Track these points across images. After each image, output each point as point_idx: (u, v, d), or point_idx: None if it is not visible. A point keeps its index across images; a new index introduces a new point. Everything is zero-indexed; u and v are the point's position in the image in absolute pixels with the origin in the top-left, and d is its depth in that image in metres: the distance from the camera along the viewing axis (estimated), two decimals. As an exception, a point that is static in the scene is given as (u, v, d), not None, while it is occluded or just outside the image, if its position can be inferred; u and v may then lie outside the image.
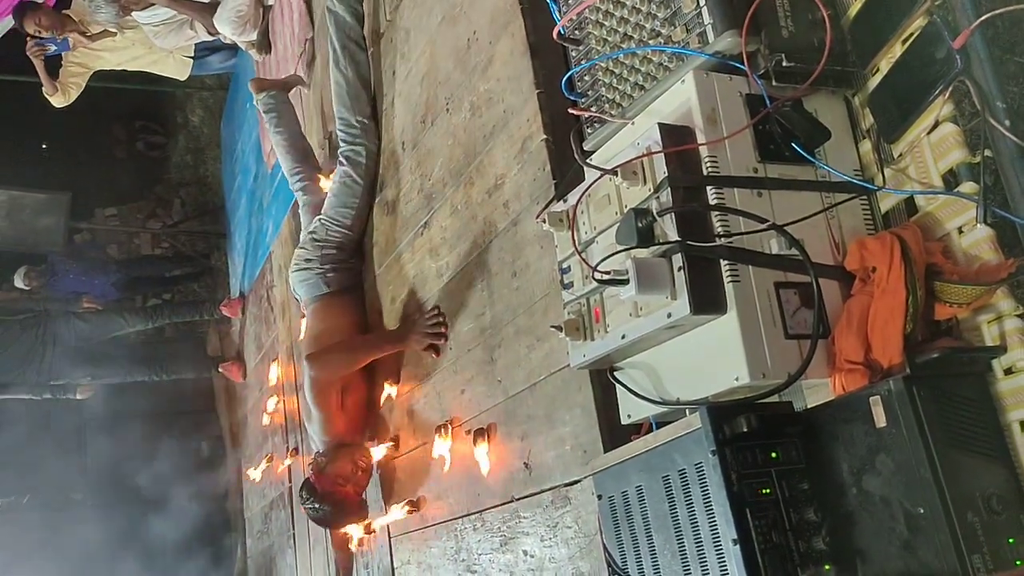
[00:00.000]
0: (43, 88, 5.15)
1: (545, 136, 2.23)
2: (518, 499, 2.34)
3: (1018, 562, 1.29)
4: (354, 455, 3.07)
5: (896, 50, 1.57)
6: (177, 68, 5.39)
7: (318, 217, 3.33)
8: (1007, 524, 1.31)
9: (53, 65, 5.16)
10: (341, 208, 3.28)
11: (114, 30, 5.04)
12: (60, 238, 6.65)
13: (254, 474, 4.96)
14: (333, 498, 3.01)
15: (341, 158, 3.27)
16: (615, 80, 1.80)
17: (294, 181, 3.67)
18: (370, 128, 3.27)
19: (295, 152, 3.71)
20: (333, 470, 3.02)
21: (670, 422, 1.56)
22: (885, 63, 1.60)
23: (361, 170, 3.25)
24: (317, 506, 3.00)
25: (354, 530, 3.32)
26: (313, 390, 3.03)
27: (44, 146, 7.47)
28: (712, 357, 1.55)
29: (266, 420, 4.96)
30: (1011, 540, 1.31)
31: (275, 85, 3.93)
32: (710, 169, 1.55)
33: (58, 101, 5.21)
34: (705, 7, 1.58)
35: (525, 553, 2.32)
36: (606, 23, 1.81)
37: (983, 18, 1.40)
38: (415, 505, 2.94)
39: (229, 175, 6.70)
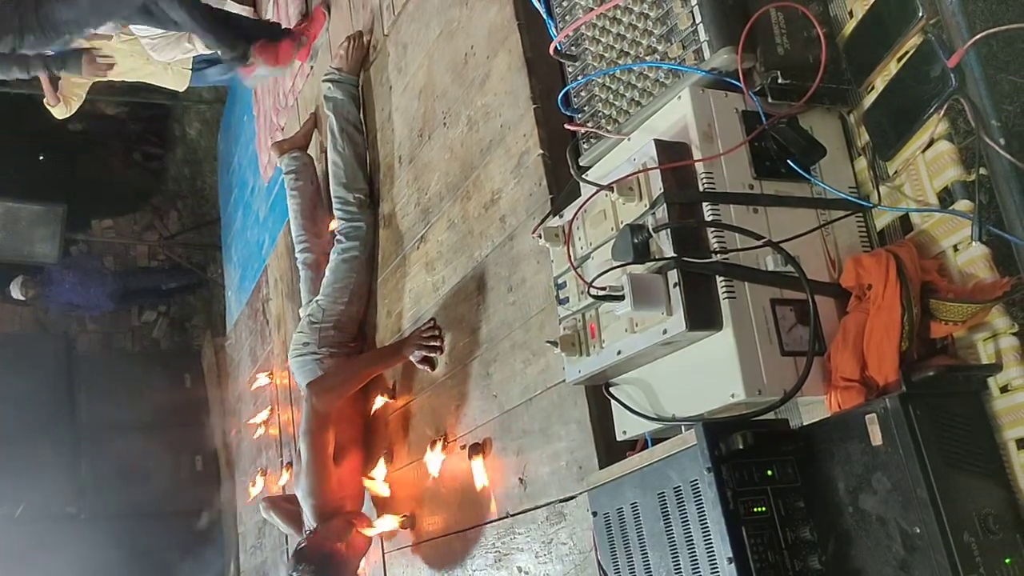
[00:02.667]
0: (45, 99, 5.14)
1: (542, 151, 2.24)
2: (513, 515, 2.33)
3: (1015, 582, 1.28)
4: (349, 516, 2.92)
5: (891, 68, 1.57)
6: (175, 80, 5.39)
7: (315, 299, 3.25)
8: (1004, 544, 1.31)
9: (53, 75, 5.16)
10: (338, 285, 3.20)
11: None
12: (55, 250, 6.63)
13: (253, 491, 4.94)
14: (321, 554, 2.79)
15: (339, 236, 3.22)
16: (611, 96, 1.80)
17: (299, 249, 3.60)
18: (366, 204, 3.24)
19: (307, 219, 3.62)
20: (325, 529, 2.86)
21: (666, 439, 1.56)
22: (880, 81, 1.60)
23: (360, 243, 3.20)
24: (302, 567, 2.77)
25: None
26: (311, 426, 2.88)
27: (41, 158, 7.47)
28: (708, 374, 1.54)
29: (258, 432, 4.94)
30: (1008, 560, 1.30)
31: (296, 143, 3.87)
32: (706, 185, 1.55)
33: (60, 112, 5.20)
34: (701, 24, 1.58)
35: (519, 570, 2.30)
36: (603, 39, 1.81)
37: (978, 37, 1.40)
38: (409, 520, 2.92)
39: (225, 188, 6.70)
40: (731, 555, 1.36)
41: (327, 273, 3.25)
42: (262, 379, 4.81)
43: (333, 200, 3.28)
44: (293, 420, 4.33)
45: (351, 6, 3.64)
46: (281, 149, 3.83)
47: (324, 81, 3.40)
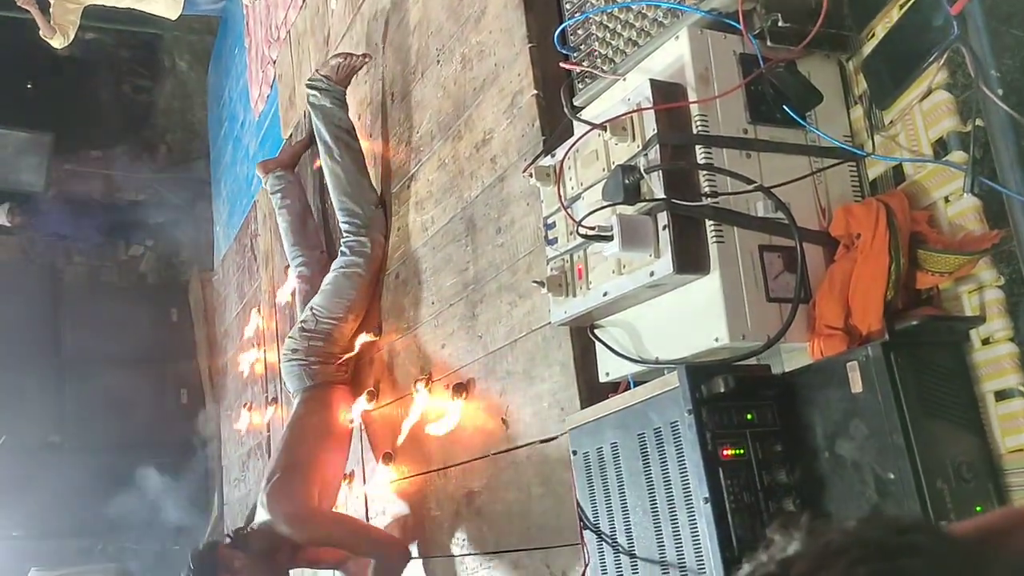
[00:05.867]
0: (40, 32, 5.02)
1: (536, 91, 2.20)
2: (494, 454, 2.35)
3: (984, 529, 1.30)
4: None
5: (893, 15, 1.55)
6: (168, 7, 5.27)
7: (309, 306, 3.14)
8: (976, 492, 1.33)
9: (43, 6, 5.04)
10: (336, 299, 3.06)
11: None
12: (42, 178, 6.55)
13: (240, 425, 4.97)
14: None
15: (344, 247, 3.06)
16: (608, 34, 1.77)
17: (295, 264, 3.52)
18: (377, 216, 3.07)
19: (297, 235, 3.54)
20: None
21: (648, 381, 1.56)
22: (881, 28, 1.58)
23: (365, 261, 3.04)
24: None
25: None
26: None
27: (29, 85, 7.33)
28: (693, 317, 1.55)
29: (245, 371, 4.96)
30: (979, 508, 1.32)
31: (280, 163, 3.78)
32: (700, 128, 1.54)
33: (58, 42, 5.09)
34: (702, -38, 1.55)
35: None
36: (602, -25, 1.78)
37: (982, -16, 1.38)
38: (391, 457, 2.94)
39: (215, 122, 6.62)
40: (707, 495, 1.38)
41: (326, 283, 3.12)
42: (254, 319, 4.80)
43: (338, 212, 3.10)
44: (279, 359, 4.33)
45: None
46: (266, 168, 3.74)
47: (308, 87, 3.17)
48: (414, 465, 2.81)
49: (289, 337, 3.19)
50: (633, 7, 1.70)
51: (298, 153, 3.87)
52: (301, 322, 3.15)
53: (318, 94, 3.14)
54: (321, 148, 3.14)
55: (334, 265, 3.11)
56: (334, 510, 3.07)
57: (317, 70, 3.20)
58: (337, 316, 3.08)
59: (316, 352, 3.08)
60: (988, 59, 1.39)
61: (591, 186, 1.70)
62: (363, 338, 3.12)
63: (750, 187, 1.50)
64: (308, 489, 2.80)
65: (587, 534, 1.66)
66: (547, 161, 1.86)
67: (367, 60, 3.14)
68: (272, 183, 3.68)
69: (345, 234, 3.07)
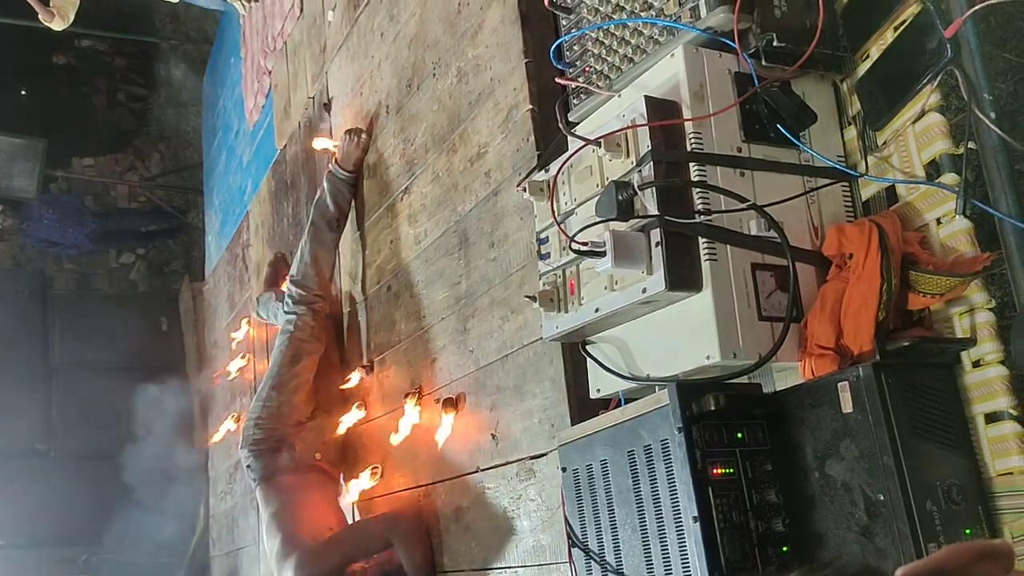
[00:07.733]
0: (39, 16, 4.99)
1: (531, 106, 2.21)
2: (483, 470, 2.34)
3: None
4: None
5: (887, 37, 1.56)
6: None
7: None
8: (965, 515, 1.32)
9: None
10: (265, 379, 3.09)
11: None
12: (35, 185, 6.53)
13: (218, 436, 4.95)
14: None
15: (281, 331, 3.15)
16: (604, 51, 1.78)
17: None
18: (308, 304, 3.11)
19: None
20: None
21: (639, 398, 1.56)
22: (876, 49, 1.59)
23: (287, 339, 3.07)
24: None
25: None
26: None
27: (23, 92, 7.31)
28: (684, 335, 1.54)
29: (234, 381, 4.93)
30: (968, 531, 1.32)
31: (268, 285, 3.86)
32: (694, 145, 1.54)
33: (58, 25, 5.04)
34: (699, -19, 1.56)
35: (487, 523, 2.32)
36: (598, -8, 1.78)
37: (975, 8, 1.39)
38: (379, 472, 2.92)
39: (209, 131, 6.60)
40: (696, 514, 1.37)
41: None
42: (242, 329, 4.78)
43: (286, 286, 3.21)
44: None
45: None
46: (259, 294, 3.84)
47: (331, 167, 3.24)
48: (402, 480, 2.79)
49: None
50: (629, 24, 1.70)
51: (271, 276, 3.93)
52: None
53: (327, 176, 3.20)
54: (310, 215, 3.21)
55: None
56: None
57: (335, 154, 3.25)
58: (261, 398, 3.05)
59: (247, 443, 3.02)
60: (981, 82, 1.40)
61: (585, 202, 1.70)
62: (354, 377, 3.10)
63: (743, 205, 1.50)
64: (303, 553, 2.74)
65: (575, 552, 1.65)
66: (541, 176, 1.86)
67: (368, 138, 3.17)
68: (260, 314, 3.79)
69: (283, 312, 3.14)
